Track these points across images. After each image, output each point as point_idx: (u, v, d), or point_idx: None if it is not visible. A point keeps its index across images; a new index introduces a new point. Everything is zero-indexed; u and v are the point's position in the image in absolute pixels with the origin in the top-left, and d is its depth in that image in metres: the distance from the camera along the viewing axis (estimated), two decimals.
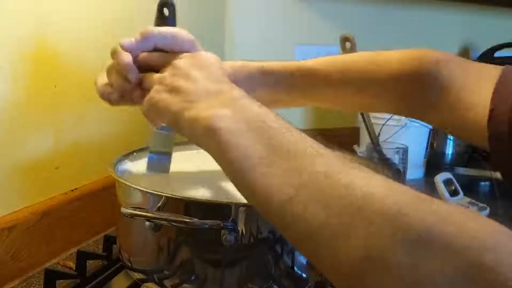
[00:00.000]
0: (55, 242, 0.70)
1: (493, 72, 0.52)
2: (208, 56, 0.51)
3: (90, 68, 0.77)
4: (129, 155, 0.67)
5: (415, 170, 1.14)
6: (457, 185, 0.99)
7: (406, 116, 0.65)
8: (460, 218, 0.30)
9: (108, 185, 0.68)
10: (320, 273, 0.52)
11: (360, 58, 0.61)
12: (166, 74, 0.49)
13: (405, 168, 0.91)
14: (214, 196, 0.55)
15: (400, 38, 1.45)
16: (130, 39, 0.54)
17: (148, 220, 0.48)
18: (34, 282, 0.63)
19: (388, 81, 0.58)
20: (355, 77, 0.60)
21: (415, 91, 0.56)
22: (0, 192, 0.63)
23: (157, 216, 0.48)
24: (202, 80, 0.46)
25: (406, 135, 1.09)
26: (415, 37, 1.44)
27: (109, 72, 0.55)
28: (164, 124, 0.52)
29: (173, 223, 0.48)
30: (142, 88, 0.54)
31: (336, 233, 0.32)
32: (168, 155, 0.64)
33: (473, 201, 0.95)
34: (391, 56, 0.59)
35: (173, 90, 0.46)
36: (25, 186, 0.67)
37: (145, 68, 0.54)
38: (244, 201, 0.49)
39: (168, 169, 0.63)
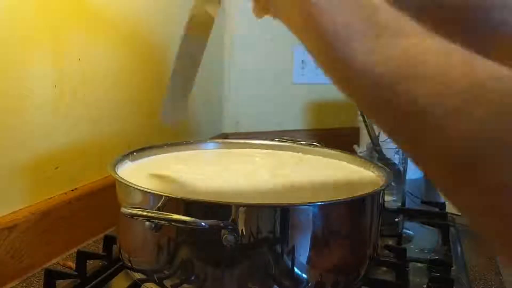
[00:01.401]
0: (55, 242, 0.70)
1: None
2: None
3: (90, 68, 0.77)
4: (129, 155, 0.67)
5: (415, 170, 1.14)
6: None
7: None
8: None
9: (108, 185, 0.68)
10: (320, 273, 0.52)
11: None
12: None
13: (405, 168, 0.91)
14: (213, 196, 0.55)
15: None
16: None
17: (148, 220, 0.48)
18: (34, 282, 0.63)
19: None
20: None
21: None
22: (0, 192, 0.63)
23: (157, 216, 0.48)
24: None
25: None
26: None
27: None
28: None
29: (173, 223, 0.48)
30: None
31: (451, 111, 0.29)
32: (205, 39, 0.57)
33: None
34: None
35: None
36: (25, 186, 0.67)
37: None
38: (244, 201, 0.49)
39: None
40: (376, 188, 0.57)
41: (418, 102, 0.30)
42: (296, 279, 0.51)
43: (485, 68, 0.30)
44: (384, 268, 0.66)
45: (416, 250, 0.76)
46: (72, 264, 0.64)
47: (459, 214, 0.93)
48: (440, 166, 0.30)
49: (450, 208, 0.93)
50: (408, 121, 0.31)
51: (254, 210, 0.49)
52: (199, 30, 0.56)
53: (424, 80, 0.31)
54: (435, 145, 0.30)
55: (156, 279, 0.53)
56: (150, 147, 0.72)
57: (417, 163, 0.32)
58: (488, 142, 0.27)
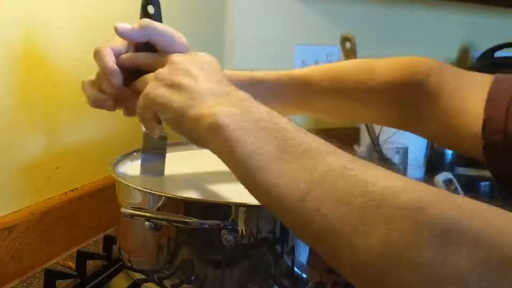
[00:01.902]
0: (55, 242, 0.70)
1: (484, 80, 0.51)
2: (206, 57, 0.49)
3: (90, 68, 0.77)
4: (129, 155, 0.67)
5: (415, 170, 1.14)
6: (457, 185, 0.98)
7: (397, 127, 0.64)
8: (486, 213, 0.29)
9: (108, 185, 0.68)
10: (320, 273, 0.52)
11: (353, 66, 0.60)
12: (164, 69, 0.46)
13: (405, 168, 0.91)
14: (213, 197, 0.55)
15: (400, 38, 1.45)
16: (126, 25, 0.52)
17: (148, 220, 0.48)
18: (34, 282, 0.63)
19: (380, 90, 0.57)
20: (347, 86, 0.59)
21: (407, 100, 0.56)
22: (0, 192, 0.63)
23: (157, 216, 0.48)
24: (203, 79, 0.44)
25: (406, 135, 1.08)
26: (415, 37, 1.45)
27: (97, 77, 0.54)
28: (155, 132, 0.50)
29: (173, 223, 0.48)
30: (135, 92, 0.51)
31: (356, 230, 0.30)
32: (162, 156, 0.61)
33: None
34: (383, 64, 0.58)
35: (174, 86, 0.44)
36: (25, 186, 0.67)
37: (130, 70, 0.52)
38: (244, 201, 0.50)
39: (163, 172, 0.61)
40: None
41: (331, 223, 0.32)
42: (296, 279, 0.51)
43: (382, 181, 0.31)
44: None
45: None
46: (72, 264, 0.64)
47: None
48: (355, 279, 0.32)
49: None
50: (323, 240, 0.33)
51: (254, 210, 0.49)
52: (156, 146, 0.60)
53: (328, 201, 0.32)
54: (348, 261, 0.31)
55: (156, 279, 0.53)
56: None
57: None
58: (389, 258, 0.29)
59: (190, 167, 0.71)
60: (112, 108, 0.55)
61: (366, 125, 0.95)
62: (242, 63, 1.37)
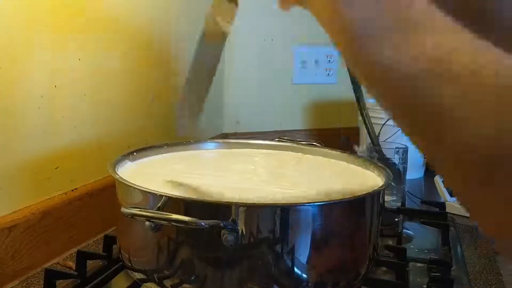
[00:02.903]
0: (55, 242, 0.70)
1: None
2: None
3: (90, 68, 0.77)
4: (129, 155, 0.67)
5: (415, 170, 1.14)
6: None
7: None
8: None
9: (108, 185, 0.68)
10: (320, 273, 0.52)
11: None
12: None
13: (405, 168, 0.90)
14: (214, 196, 0.55)
15: None
16: None
17: (148, 220, 0.48)
18: (34, 282, 0.63)
19: None
20: None
21: None
22: (0, 192, 0.63)
23: (157, 216, 0.48)
24: None
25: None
26: None
27: None
28: None
29: (173, 223, 0.48)
30: None
31: (477, 113, 0.28)
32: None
33: None
34: None
35: None
36: (25, 186, 0.67)
37: None
38: (244, 201, 0.49)
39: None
40: (376, 188, 0.57)
41: (444, 102, 0.30)
42: (296, 279, 0.51)
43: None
44: (384, 268, 0.66)
45: (416, 250, 0.76)
46: (72, 264, 0.64)
47: (459, 214, 0.94)
48: (459, 167, 0.30)
49: (450, 208, 0.93)
50: (431, 120, 0.31)
51: (254, 210, 0.49)
52: (212, 43, 0.56)
53: (450, 80, 0.30)
54: (455, 145, 0.30)
55: (156, 279, 0.53)
56: (150, 147, 0.72)
57: (433, 161, 0.32)
58: (508, 151, 0.27)
59: (191, 166, 0.71)
60: None
61: (366, 125, 0.95)
62: (242, 63, 1.37)
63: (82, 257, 0.63)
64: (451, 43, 0.32)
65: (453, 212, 0.93)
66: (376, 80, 0.34)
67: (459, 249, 0.78)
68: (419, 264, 0.70)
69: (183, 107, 0.59)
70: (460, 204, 0.31)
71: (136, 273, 0.57)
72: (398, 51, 0.32)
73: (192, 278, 0.51)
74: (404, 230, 0.82)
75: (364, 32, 0.34)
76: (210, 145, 0.80)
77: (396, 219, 0.84)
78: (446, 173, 0.32)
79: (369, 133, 0.94)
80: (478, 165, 0.29)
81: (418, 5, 0.34)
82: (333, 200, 0.53)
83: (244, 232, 0.48)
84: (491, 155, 0.28)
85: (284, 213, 0.50)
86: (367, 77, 0.35)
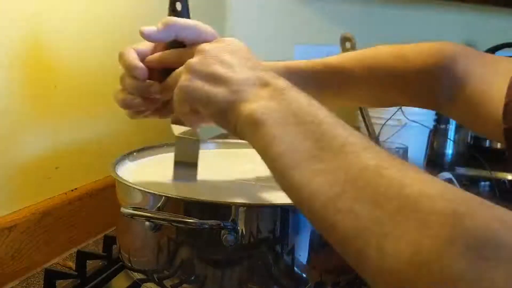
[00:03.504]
0: (55, 242, 0.70)
1: (510, 66, 0.51)
2: (235, 41, 0.47)
3: (90, 68, 0.77)
4: (129, 155, 0.67)
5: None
6: (457, 185, 0.99)
7: (428, 108, 0.63)
8: None
9: (108, 185, 0.68)
10: (320, 273, 0.52)
11: (385, 53, 0.60)
12: (194, 60, 0.44)
13: None
14: (214, 196, 0.55)
15: (400, 38, 1.44)
16: (151, 27, 0.51)
17: (148, 220, 0.48)
18: (34, 282, 0.63)
19: (414, 75, 0.57)
20: (383, 73, 0.58)
21: (437, 83, 0.56)
22: (0, 192, 0.63)
23: (157, 216, 0.48)
24: (239, 67, 0.42)
25: (406, 135, 1.09)
26: (415, 37, 1.44)
27: (122, 79, 0.54)
28: (196, 124, 0.48)
29: (173, 223, 0.48)
30: (165, 89, 0.51)
31: (386, 232, 0.29)
32: (194, 164, 0.58)
33: None
34: (415, 50, 0.58)
35: (210, 76, 0.42)
36: (25, 186, 0.67)
37: (160, 71, 0.51)
38: (244, 201, 0.49)
39: (196, 177, 0.59)
40: None
41: (362, 225, 0.30)
42: (296, 279, 0.51)
43: (419, 184, 0.30)
44: None
45: None
46: (72, 264, 0.64)
47: None
48: (380, 287, 0.30)
49: None
50: (352, 242, 0.31)
51: (254, 210, 0.49)
52: (187, 155, 0.58)
53: (361, 202, 0.31)
54: (375, 266, 0.30)
55: (156, 279, 0.53)
56: (150, 147, 0.72)
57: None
58: (419, 267, 0.27)
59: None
60: (141, 107, 0.54)
61: (366, 125, 0.95)
62: None
63: (82, 257, 0.63)
64: (368, 161, 0.33)
65: None
66: (299, 203, 0.36)
67: None
68: None
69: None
70: None
71: (136, 273, 0.57)
72: (316, 177, 0.34)
73: (192, 278, 0.51)
74: None
75: (286, 163, 0.36)
76: (210, 145, 0.80)
77: None
78: None
79: (369, 133, 0.94)
80: None
81: (326, 125, 0.36)
82: None
83: (244, 232, 0.48)
84: (405, 277, 0.28)
85: (284, 213, 0.50)
86: (292, 198, 0.37)
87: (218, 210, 0.49)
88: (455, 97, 0.55)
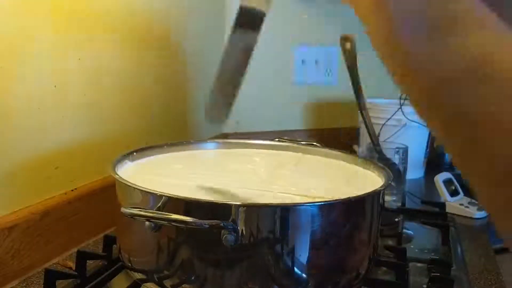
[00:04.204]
0: (55, 242, 0.70)
1: None
2: None
3: (90, 67, 0.77)
4: (129, 155, 0.67)
5: (415, 170, 1.14)
6: (457, 185, 0.99)
7: None
8: None
9: (108, 185, 0.68)
10: (320, 273, 0.52)
11: None
12: None
13: (405, 168, 0.91)
14: (214, 196, 0.55)
15: None
16: None
17: (148, 220, 0.48)
18: (34, 282, 0.63)
19: None
20: None
21: None
22: (0, 192, 0.63)
23: (157, 216, 0.48)
24: None
25: (406, 135, 1.09)
26: None
27: None
28: None
29: (173, 223, 0.48)
30: None
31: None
32: (257, 31, 0.52)
33: (473, 201, 0.95)
34: None
35: None
36: (25, 186, 0.67)
37: None
38: (244, 201, 0.49)
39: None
40: (376, 188, 0.57)
41: (489, 107, 0.28)
42: (296, 279, 0.51)
43: None
44: (384, 268, 0.66)
45: (416, 250, 0.76)
46: (72, 264, 0.64)
47: (459, 214, 0.93)
48: (491, 171, 0.28)
49: (450, 208, 0.93)
50: (466, 127, 0.29)
51: (254, 210, 0.49)
52: (248, 27, 0.52)
53: (493, 83, 0.28)
54: (497, 157, 0.27)
55: (156, 279, 0.53)
56: (150, 147, 0.72)
57: (465, 173, 0.30)
58: None
59: (191, 167, 0.71)
60: None
61: (366, 125, 0.95)
62: None
63: (82, 257, 0.63)
64: (496, 42, 0.29)
65: (453, 212, 0.93)
66: (413, 81, 0.32)
67: (459, 249, 0.78)
68: (419, 264, 0.70)
69: (213, 100, 0.56)
70: (481, 205, 0.31)
71: (136, 273, 0.57)
72: (439, 52, 0.30)
73: (192, 278, 0.51)
74: (404, 230, 0.82)
75: (404, 28, 0.31)
76: (210, 145, 0.81)
77: (396, 219, 0.84)
78: (475, 174, 0.29)
79: (369, 133, 0.94)
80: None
81: (465, 1, 0.31)
82: (333, 200, 0.53)
83: (244, 232, 0.48)
84: None
85: (284, 213, 0.50)
86: (403, 76, 0.33)
87: (218, 210, 0.49)
88: None
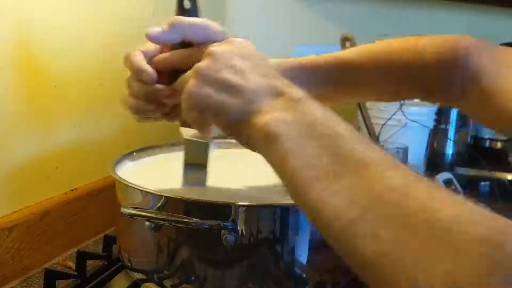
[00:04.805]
0: (55, 242, 0.70)
1: None
2: (245, 43, 0.45)
3: (90, 67, 0.77)
4: (129, 155, 0.67)
5: (415, 170, 1.14)
6: (457, 185, 0.98)
7: (441, 102, 0.61)
8: None
9: (108, 185, 0.68)
10: (320, 273, 0.52)
11: (399, 48, 0.58)
12: (203, 63, 0.41)
13: None
14: (214, 196, 0.55)
15: None
16: (156, 28, 0.48)
17: (148, 220, 0.48)
18: (34, 282, 0.63)
19: (429, 71, 0.55)
20: (398, 69, 0.56)
21: (451, 78, 0.54)
22: (0, 192, 0.63)
23: (157, 216, 0.48)
24: (251, 73, 0.40)
25: (406, 135, 1.09)
26: None
27: (129, 82, 0.50)
28: (207, 132, 0.46)
29: (173, 223, 0.48)
30: (173, 93, 0.48)
31: (417, 262, 0.26)
32: (204, 167, 0.55)
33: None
34: (429, 43, 0.56)
35: (220, 83, 0.40)
36: (25, 186, 0.67)
37: (168, 73, 0.49)
38: (244, 201, 0.49)
39: (205, 183, 0.56)
40: None
41: (387, 250, 0.28)
42: (296, 279, 0.51)
43: (450, 208, 0.28)
44: None
45: None
46: (72, 264, 0.64)
47: None
48: None
49: None
50: (376, 268, 0.29)
51: (254, 210, 0.49)
52: (197, 157, 0.55)
53: (386, 225, 0.29)
54: None
55: (156, 279, 0.53)
56: (150, 147, 0.72)
57: None
58: None
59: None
60: (151, 113, 0.51)
61: (366, 125, 0.95)
62: None
63: (82, 257, 0.63)
64: (392, 180, 0.31)
65: None
66: (316, 223, 0.34)
67: None
68: None
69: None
70: None
71: (136, 273, 0.57)
72: (334, 196, 0.31)
73: (192, 278, 0.51)
74: None
75: (302, 180, 0.34)
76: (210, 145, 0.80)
77: None
78: None
79: (369, 133, 0.94)
80: None
81: (342, 138, 0.34)
82: None
83: (244, 232, 0.48)
84: None
85: (284, 213, 0.50)
86: (309, 217, 0.34)
87: (218, 210, 0.49)
88: (468, 91, 0.53)
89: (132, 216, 0.49)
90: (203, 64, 0.42)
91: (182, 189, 0.57)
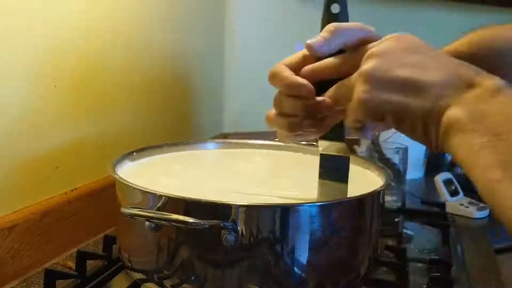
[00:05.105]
0: (55, 242, 0.70)
1: None
2: (411, 36, 0.40)
3: (90, 67, 0.77)
4: (129, 155, 0.67)
5: (415, 170, 1.14)
6: (457, 185, 0.98)
7: None
8: None
9: (108, 185, 0.68)
10: (320, 273, 0.52)
11: (491, 36, 0.54)
12: (368, 66, 0.37)
13: (405, 168, 0.90)
14: (214, 196, 0.55)
15: None
16: (317, 38, 0.44)
17: (148, 220, 0.48)
18: (34, 282, 0.63)
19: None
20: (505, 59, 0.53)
21: None
22: (0, 192, 0.63)
23: (157, 216, 0.48)
24: (428, 67, 0.36)
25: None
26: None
27: (277, 101, 0.47)
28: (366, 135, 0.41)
29: (173, 223, 0.48)
30: (335, 104, 0.44)
31: None
32: (344, 184, 0.50)
33: (473, 201, 0.95)
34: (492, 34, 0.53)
35: (396, 83, 0.36)
36: (25, 186, 0.67)
37: (315, 85, 0.45)
38: (244, 201, 0.49)
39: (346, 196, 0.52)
40: (376, 188, 0.57)
41: None
42: (296, 279, 0.51)
43: None
44: (384, 268, 0.66)
45: (416, 250, 0.76)
46: (72, 264, 0.64)
47: (459, 214, 0.94)
48: None
49: (450, 208, 0.93)
50: None
51: (254, 210, 0.49)
52: (335, 172, 0.50)
53: None
54: None
55: (156, 279, 0.53)
56: (150, 147, 0.72)
57: None
58: None
59: (191, 167, 0.71)
60: (311, 128, 0.46)
61: None
62: (242, 63, 1.37)
63: (82, 257, 0.63)
64: None
65: (453, 212, 0.93)
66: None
67: (459, 249, 0.78)
68: (419, 264, 0.70)
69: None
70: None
71: (136, 273, 0.57)
72: None
73: (192, 278, 0.51)
74: (404, 230, 0.82)
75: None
76: (210, 145, 0.80)
77: (396, 219, 0.84)
78: None
79: None
80: None
81: None
82: (333, 200, 0.52)
83: (244, 232, 0.48)
84: None
85: (284, 213, 0.50)
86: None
87: (218, 210, 0.49)
88: None
89: (132, 216, 0.49)
90: (368, 66, 0.38)
91: (180, 187, 0.57)
